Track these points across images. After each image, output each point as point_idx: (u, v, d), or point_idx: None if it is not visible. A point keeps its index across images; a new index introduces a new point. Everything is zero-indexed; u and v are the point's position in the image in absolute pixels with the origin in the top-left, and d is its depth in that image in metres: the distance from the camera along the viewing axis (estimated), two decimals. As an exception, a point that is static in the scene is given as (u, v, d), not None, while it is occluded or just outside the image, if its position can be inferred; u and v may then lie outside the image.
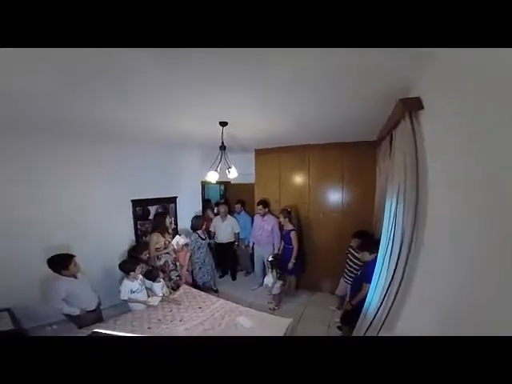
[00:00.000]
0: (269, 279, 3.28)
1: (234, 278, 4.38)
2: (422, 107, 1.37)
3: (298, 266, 3.53)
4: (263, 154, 3.98)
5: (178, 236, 3.49)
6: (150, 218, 3.84)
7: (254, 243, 3.90)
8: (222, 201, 5.28)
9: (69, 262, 2.26)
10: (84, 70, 1.18)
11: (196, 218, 3.83)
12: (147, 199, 3.82)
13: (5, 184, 2.54)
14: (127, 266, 2.71)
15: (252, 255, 4.07)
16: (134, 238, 3.69)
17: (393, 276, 1.58)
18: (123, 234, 3.59)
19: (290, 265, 3.41)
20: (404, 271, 1.50)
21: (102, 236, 3.27)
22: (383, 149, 2.55)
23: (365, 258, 2.37)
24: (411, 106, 1.43)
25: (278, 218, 3.68)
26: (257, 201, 4.02)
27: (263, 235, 3.68)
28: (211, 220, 4.24)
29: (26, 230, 2.67)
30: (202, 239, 3.69)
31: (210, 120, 2.21)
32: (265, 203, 3.75)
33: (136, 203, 3.70)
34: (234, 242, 4.19)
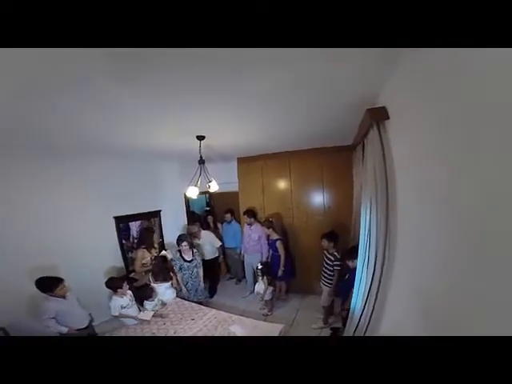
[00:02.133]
0: (260, 286, 3.31)
1: (211, 296, 3.97)
2: (388, 117, 1.43)
3: (288, 272, 3.57)
4: (245, 162, 4.02)
5: (163, 251, 3.46)
6: (132, 233, 3.79)
7: (244, 252, 3.92)
8: (207, 209, 5.24)
9: (56, 285, 2.25)
10: (58, 84, 1.15)
11: (178, 238, 3.36)
12: (130, 215, 3.76)
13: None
14: (114, 282, 2.68)
15: (243, 263, 4.07)
16: (120, 254, 3.62)
17: (372, 281, 1.65)
18: (108, 251, 3.52)
19: (280, 272, 3.46)
20: (381, 276, 1.57)
21: (87, 253, 3.20)
22: (357, 154, 2.65)
23: (354, 265, 2.41)
24: (377, 116, 1.49)
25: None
26: (242, 208, 4.07)
27: (250, 244, 3.71)
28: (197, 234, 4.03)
29: (12, 248, 2.59)
30: (185, 261, 3.27)
31: (187, 134, 2.22)
32: (251, 213, 3.78)
33: (119, 219, 3.63)
34: (217, 258, 4.05)
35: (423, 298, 1.11)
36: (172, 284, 3.16)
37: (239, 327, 2.41)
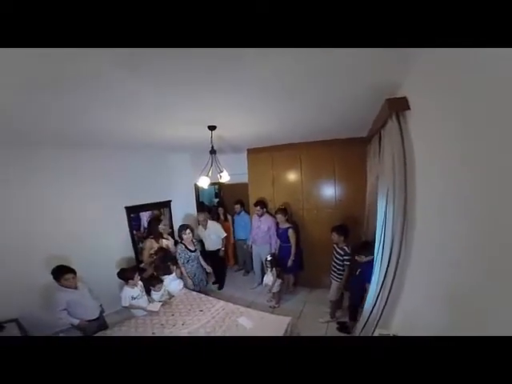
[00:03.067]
0: (268, 278, 3.32)
1: (220, 287, 4.11)
2: (409, 107, 1.38)
3: (297, 263, 3.57)
4: (255, 153, 3.98)
5: (164, 240, 3.50)
6: (143, 223, 3.84)
7: (252, 243, 3.91)
8: (216, 201, 5.24)
9: (65, 272, 2.31)
10: (70, 75, 1.14)
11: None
12: (141, 205, 3.81)
13: (5, 196, 2.54)
14: (126, 273, 2.72)
15: (251, 255, 4.08)
16: (131, 245, 3.69)
17: (386, 273, 1.62)
18: (120, 241, 3.59)
19: (290, 262, 3.45)
20: (396, 269, 1.53)
21: (99, 243, 3.27)
22: (373, 147, 2.57)
23: (362, 259, 2.41)
24: (397, 107, 1.44)
25: (274, 217, 3.70)
26: (251, 200, 4.05)
27: (259, 235, 3.70)
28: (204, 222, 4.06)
29: (27, 241, 2.68)
30: (191, 251, 3.34)
31: (198, 124, 2.20)
32: (262, 204, 3.76)
33: (130, 210, 3.68)
34: (220, 249, 3.98)
35: (439, 295, 1.08)
36: (176, 275, 3.17)
37: (247, 319, 2.42)
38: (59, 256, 2.74)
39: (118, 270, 2.79)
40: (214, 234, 3.89)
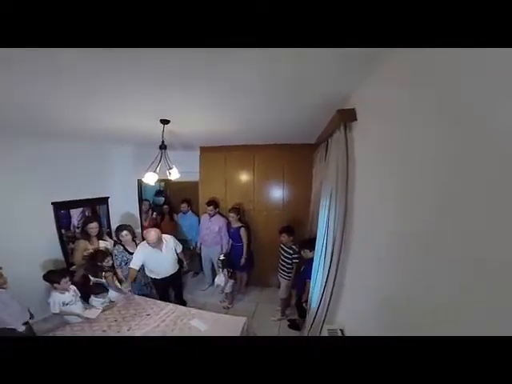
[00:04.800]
0: (220, 279, 3.27)
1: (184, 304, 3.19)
2: (355, 118, 1.52)
3: (248, 263, 3.62)
4: (208, 152, 3.89)
5: (101, 241, 3.15)
6: (73, 222, 3.38)
7: (201, 244, 3.80)
8: (161, 199, 4.91)
9: None
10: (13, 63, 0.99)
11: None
12: (72, 201, 3.34)
13: None
14: (52, 276, 2.38)
15: (200, 256, 3.95)
16: (59, 245, 3.20)
17: (328, 273, 1.74)
18: (45, 241, 3.09)
19: (243, 260, 3.47)
20: (337, 269, 1.67)
21: (21, 242, 2.77)
22: (320, 153, 2.77)
23: (307, 255, 2.55)
24: (346, 117, 1.56)
25: (225, 217, 3.69)
26: (202, 199, 3.95)
27: (210, 236, 3.62)
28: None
29: None
30: (130, 253, 2.90)
31: (149, 117, 2.05)
32: (215, 203, 3.69)
33: (58, 206, 3.18)
34: (180, 270, 3.11)
35: (375, 292, 1.21)
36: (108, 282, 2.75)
37: (200, 321, 2.34)
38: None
39: (43, 273, 2.41)
40: (171, 253, 2.94)
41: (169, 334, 2.21)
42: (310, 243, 2.44)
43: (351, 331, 1.58)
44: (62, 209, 3.24)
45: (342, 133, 1.63)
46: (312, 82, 1.39)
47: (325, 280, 1.80)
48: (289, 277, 3.02)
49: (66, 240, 3.29)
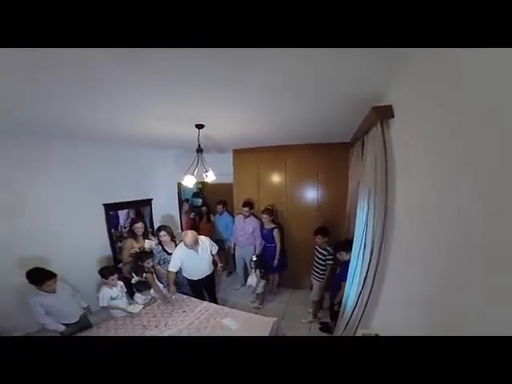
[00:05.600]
0: (252, 279, 3.31)
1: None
2: (393, 115, 1.45)
3: (281, 264, 3.62)
4: (241, 154, 3.98)
5: (147, 240, 3.38)
6: (120, 222, 3.69)
7: (234, 244, 3.90)
8: (199, 201, 5.15)
9: (50, 279, 2.13)
10: (43, 65, 1.07)
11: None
12: (120, 202, 3.66)
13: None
14: (106, 271, 2.63)
15: (233, 256, 4.05)
16: (108, 243, 3.53)
17: (366, 275, 1.68)
18: (97, 240, 3.43)
19: (276, 262, 3.49)
20: (376, 270, 1.60)
21: (76, 242, 3.11)
22: (355, 152, 2.68)
23: (343, 257, 2.47)
24: (383, 114, 1.50)
25: (258, 218, 3.72)
26: (236, 200, 4.05)
27: (244, 236, 3.69)
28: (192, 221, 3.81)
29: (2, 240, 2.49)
30: (168, 253, 3.04)
31: (186, 122, 2.16)
32: (251, 205, 3.75)
33: (109, 207, 3.53)
34: (213, 272, 3.15)
35: (416, 296, 1.13)
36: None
37: (232, 320, 2.41)
38: (37, 256, 2.59)
39: (97, 269, 2.68)
40: (206, 254, 2.98)
41: (202, 330, 2.31)
42: (347, 245, 2.36)
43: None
44: (111, 210, 3.57)
45: (379, 130, 1.57)
46: (343, 79, 1.35)
47: (362, 283, 1.74)
48: (322, 279, 2.95)
49: (115, 239, 3.62)
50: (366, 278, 1.69)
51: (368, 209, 1.72)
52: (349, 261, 2.12)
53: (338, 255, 2.61)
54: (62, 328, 2.21)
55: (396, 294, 1.45)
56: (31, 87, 1.32)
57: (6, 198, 2.52)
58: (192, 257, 2.85)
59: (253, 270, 3.32)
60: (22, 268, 2.22)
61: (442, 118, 0.89)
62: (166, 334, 2.28)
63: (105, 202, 3.46)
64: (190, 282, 3.06)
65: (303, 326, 3.03)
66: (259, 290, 3.35)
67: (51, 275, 2.15)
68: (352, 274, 1.98)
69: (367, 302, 1.71)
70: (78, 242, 3.13)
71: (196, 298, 2.97)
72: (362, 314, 1.77)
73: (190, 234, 2.81)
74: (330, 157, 3.48)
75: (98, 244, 3.43)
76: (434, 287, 0.98)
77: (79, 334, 2.25)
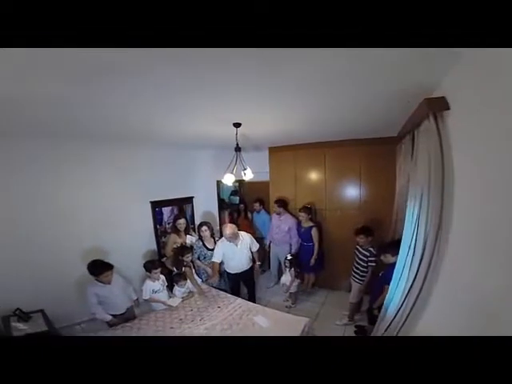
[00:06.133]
0: (286, 278, 3.29)
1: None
2: (448, 107, 1.30)
3: (318, 263, 3.53)
4: (277, 152, 3.95)
5: (188, 236, 3.56)
6: (164, 218, 3.96)
7: (270, 242, 3.90)
8: (236, 199, 5.24)
9: (107, 270, 2.33)
10: (94, 69, 1.13)
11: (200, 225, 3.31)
12: (165, 200, 3.92)
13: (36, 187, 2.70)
14: (151, 264, 2.79)
15: (269, 253, 4.06)
16: (154, 238, 3.82)
17: (415, 277, 1.56)
18: (145, 235, 3.72)
19: (313, 261, 3.41)
20: (427, 273, 1.47)
21: (127, 237, 3.42)
22: (404, 148, 2.46)
23: (388, 260, 2.31)
24: (436, 107, 1.36)
25: (295, 217, 3.66)
26: (272, 199, 4.03)
27: (279, 235, 3.67)
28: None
29: (58, 232, 2.85)
30: (208, 249, 3.17)
31: (223, 121, 2.21)
32: (281, 202, 3.73)
33: (155, 204, 3.81)
34: (252, 268, 3.21)
35: (475, 301, 1.02)
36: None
37: (264, 318, 2.42)
38: (92, 247, 2.94)
39: (143, 263, 2.88)
40: (245, 249, 3.08)
41: (234, 327, 2.37)
42: (393, 247, 2.21)
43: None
44: (157, 207, 3.85)
45: (433, 124, 1.42)
46: (391, 70, 1.25)
47: (408, 287, 1.62)
48: (362, 281, 2.80)
49: (160, 234, 3.89)
50: (413, 281, 1.57)
51: (420, 209, 1.58)
52: (394, 263, 1.99)
53: (382, 257, 2.44)
54: (109, 318, 2.39)
55: (446, 302, 1.32)
56: (90, 94, 1.44)
57: (77, 198, 2.92)
58: (231, 250, 2.99)
59: (287, 269, 3.29)
60: (82, 261, 2.50)
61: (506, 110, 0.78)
62: (202, 328, 2.38)
63: (151, 200, 3.74)
64: (229, 274, 3.21)
65: (337, 328, 2.93)
66: (293, 289, 3.31)
67: (109, 266, 2.36)
68: (398, 277, 1.85)
69: (412, 307, 1.58)
70: (128, 237, 3.43)
71: (232, 292, 3.08)
72: (406, 320, 1.64)
73: (229, 226, 2.96)
74: (374, 152, 3.26)
75: (145, 239, 3.72)
76: (492, 295, 0.88)
77: (123, 325, 2.41)
